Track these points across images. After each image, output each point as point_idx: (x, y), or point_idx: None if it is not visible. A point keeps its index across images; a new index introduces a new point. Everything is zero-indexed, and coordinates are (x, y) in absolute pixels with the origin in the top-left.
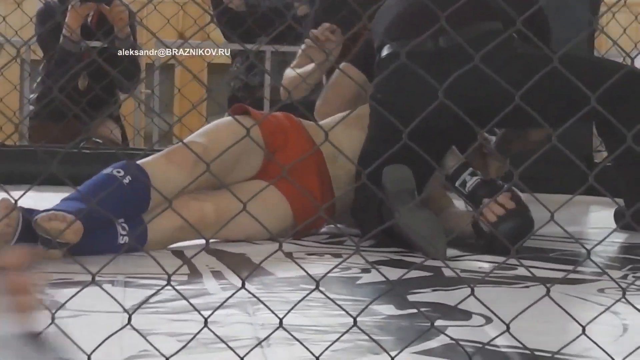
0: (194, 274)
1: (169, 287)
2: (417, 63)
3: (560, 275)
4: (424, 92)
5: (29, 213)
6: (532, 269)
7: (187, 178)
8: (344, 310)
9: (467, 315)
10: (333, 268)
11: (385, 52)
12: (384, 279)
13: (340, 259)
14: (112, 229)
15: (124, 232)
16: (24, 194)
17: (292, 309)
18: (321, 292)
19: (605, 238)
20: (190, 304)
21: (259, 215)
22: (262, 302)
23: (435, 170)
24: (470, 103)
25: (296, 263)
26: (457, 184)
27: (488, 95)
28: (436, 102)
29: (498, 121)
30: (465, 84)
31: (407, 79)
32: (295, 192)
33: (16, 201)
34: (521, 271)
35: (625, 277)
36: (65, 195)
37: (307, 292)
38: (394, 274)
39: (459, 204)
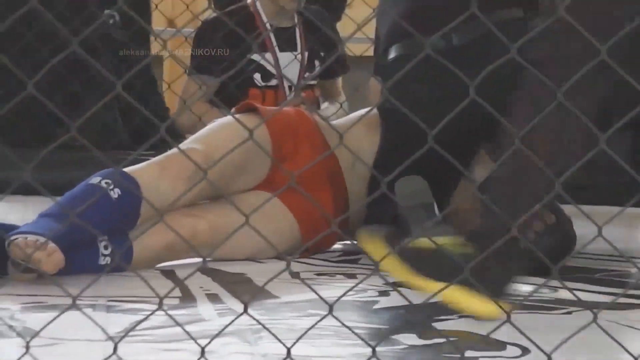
0: (187, 298)
1: (159, 313)
2: (429, 64)
3: (607, 299)
4: (441, 95)
5: (1, 228)
6: (575, 292)
7: (182, 192)
8: (361, 338)
9: (500, 345)
10: (348, 290)
11: (392, 54)
12: (404, 304)
13: (355, 280)
14: (94, 247)
15: (106, 252)
16: None
17: (301, 337)
18: (335, 317)
19: None
20: (185, 331)
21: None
22: (267, 329)
23: (457, 184)
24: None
25: (306, 284)
26: (485, 197)
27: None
28: (467, 100)
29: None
30: (487, 82)
31: (420, 82)
32: (302, 204)
33: None
34: (562, 294)
35: None
36: (39, 206)
37: (318, 318)
38: (415, 297)
39: None
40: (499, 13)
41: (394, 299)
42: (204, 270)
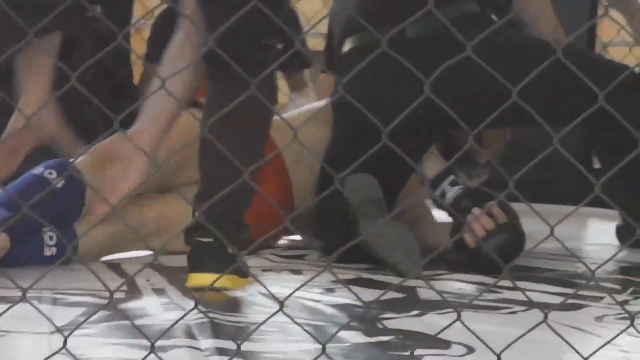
0: (133, 291)
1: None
2: (383, 58)
3: (555, 299)
4: (395, 89)
5: None
6: (520, 292)
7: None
8: (311, 335)
9: (445, 344)
10: (299, 287)
11: (347, 46)
12: (350, 302)
13: (302, 277)
14: (38, 238)
15: (51, 243)
16: None
17: (252, 332)
18: (285, 314)
19: (612, 257)
20: (136, 326)
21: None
22: (215, 325)
23: (408, 179)
24: (447, 99)
25: (257, 280)
26: (436, 194)
27: (467, 90)
28: (423, 97)
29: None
30: (441, 78)
31: (374, 76)
32: None
33: None
34: (507, 294)
35: (626, 302)
36: None
37: (267, 314)
38: (363, 295)
39: (440, 214)
40: (455, 6)
41: (339, 297)
42: (151, 264)
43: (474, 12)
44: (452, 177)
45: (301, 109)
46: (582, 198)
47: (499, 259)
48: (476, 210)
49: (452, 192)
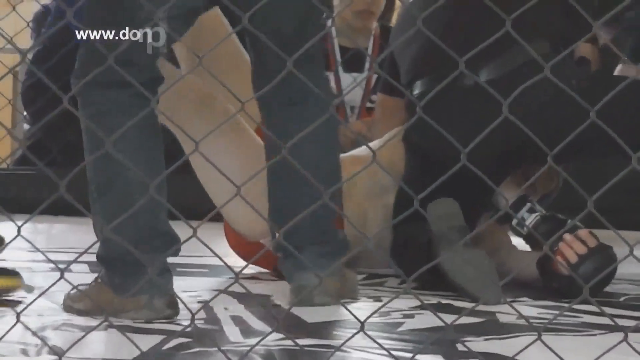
0: (211, 319)
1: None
2: (455, 100)
3: (635, 323)
4: (467, 129)
5: None
6: (599, 316)
7: None
8: (392, 356)
9: None
10: (379, 309)
11: (417, 90)
12: (429, 326)
13: (380, 303)
14: None
15: None
16: (26, 221)
17: (333, 354)
18: (367, 335)
19: None
20: (222, 351)
21: None
22: (298, 347)
23: (485, 208)
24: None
25: (341, 304)
26: (514, 223)
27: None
28: (500, 118)
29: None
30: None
31: (448, 119)
32: None
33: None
34: (587, 318)
35: None
36: (64, 226)
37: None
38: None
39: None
40: (521, 48)
41: (418, 322)
42: (228, 292)
43: (545, 54)
44: (529, 205)
45: (373, 142)
46: None
47: (596, 282)
48: (567, 236)
49: (530, 219)
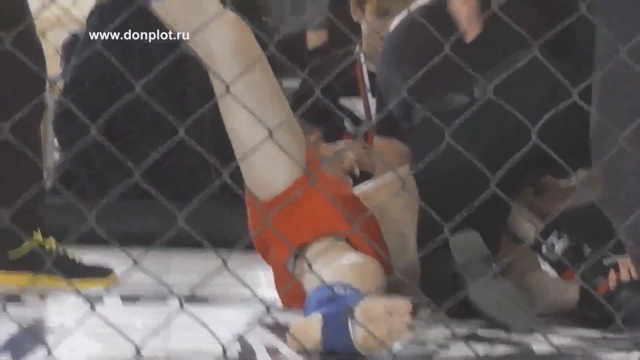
0: (246, 351)
1: None
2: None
3: None
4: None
5: None
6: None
7: None
8: None
9: None
10: (413, 340)
11: (416, 119)
12: (463, 355)
13: (413, 334)
14: None
15: None
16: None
17: None
18: None
19: None
20: None
21: None
22: None
23: (504, 229)
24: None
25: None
26: (544, 250)
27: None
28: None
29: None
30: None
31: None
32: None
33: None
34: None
35: None
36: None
37: None
38: (477, 350)
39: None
40: (514, 56)
41: (453, 352)
42: (262, 323)
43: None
44: (556, 231)
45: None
46: None
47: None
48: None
49: (559, 245)
